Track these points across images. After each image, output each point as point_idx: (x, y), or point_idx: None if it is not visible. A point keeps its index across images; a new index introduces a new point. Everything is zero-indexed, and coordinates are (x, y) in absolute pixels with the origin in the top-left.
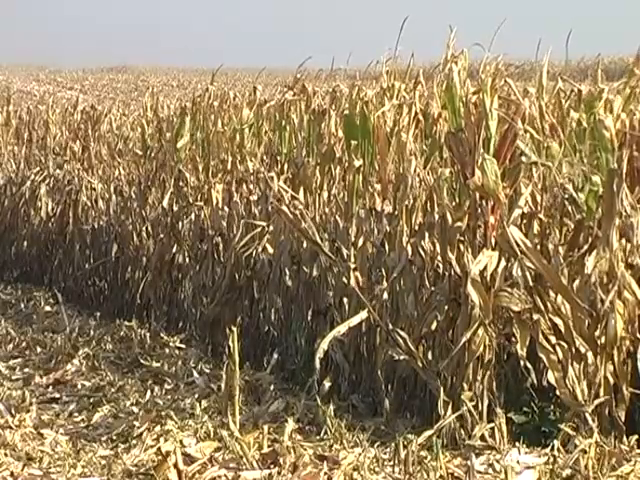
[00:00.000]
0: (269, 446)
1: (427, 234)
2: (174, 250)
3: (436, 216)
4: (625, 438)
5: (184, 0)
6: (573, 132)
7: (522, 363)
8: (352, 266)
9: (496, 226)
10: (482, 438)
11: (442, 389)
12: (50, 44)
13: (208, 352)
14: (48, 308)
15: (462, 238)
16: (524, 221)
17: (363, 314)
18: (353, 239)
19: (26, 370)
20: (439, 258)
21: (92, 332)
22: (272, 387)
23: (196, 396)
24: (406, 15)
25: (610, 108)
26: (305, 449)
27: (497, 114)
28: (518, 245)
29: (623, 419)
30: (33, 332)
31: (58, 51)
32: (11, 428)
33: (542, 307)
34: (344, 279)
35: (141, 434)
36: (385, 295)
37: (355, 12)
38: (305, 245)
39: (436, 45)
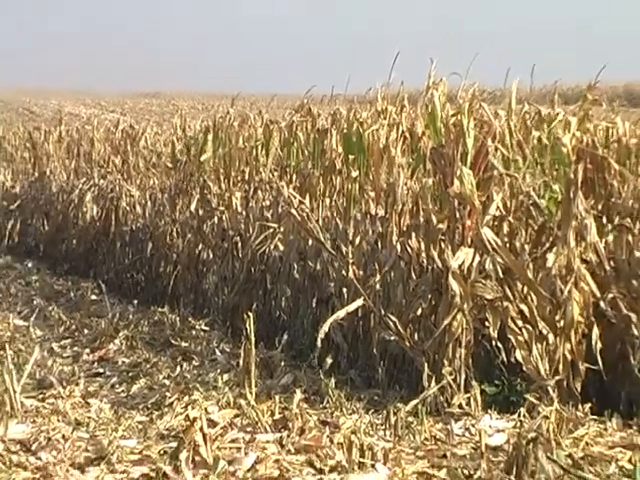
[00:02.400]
0: (280, 413)
1: (414, 234)
2: (200, 248)
3: (421, 219)
4: (580, 406)
5: (206, 36)
6: (536, 148)
7: (494, 343)
8: (350, 261)
9: (472, 227)
10: (460, 406)
11: (426, 365)
12: (96, 73)
13: (228, 334)
14: (93, 297)
15: (443, 237)
16: (495, 223)
17: (359, 302)
18: (351, 238)
19: (75, 349)
20: (424, 254)
21: (130, 317)
22: (282, 363)
23: (218, 371)
24: (397, 50)
25: (567, 127)
26: (310, 415)
27: (473, 133)
28: (490, 243)
29: (579, 390)
30: (81, 317)
31: (102, 79)
32: (62, 398)
33: (511, 296)
34: (343, 272)
35: (172, 403)
36: (378, 286)
37: (355, 46)
38: (310, 243)
39: (422, 72)
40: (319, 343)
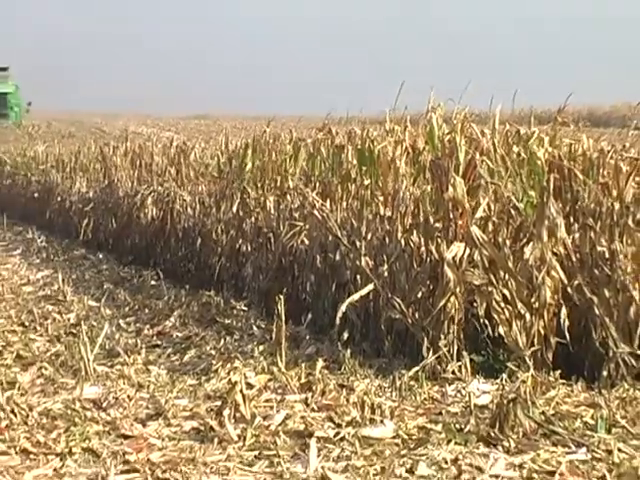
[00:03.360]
0: (305, 378)
1: (415, 231)
2: (239, 242)
3: (421, 219)
4: (551, 372)
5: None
6: (515, 161)
7: (481, 320)
8: (362, 253)
9: (463, 226)
10: (453, 372)
11: (425, 338)
12: (155, 95)
13: (263, 313)
14: (152, 282)
15: (439, 234)
16: (482, 222)
17: (370, 286)
18: (363, 234)
19: (137, 325)
20: (423, 248)
21: (183, 299)
22: (307, 337)
23: (255, 343)
24: (403, 80)
25: (541, 144)
26: (330, 380)
27: (464, 148)
28: (478, 239)
29: (550, 359)
30: (142, 299)
31: (160, 102)
32: (127, 365)
33: (495, 282)
34: (357, 262)
35: (217, 369)
36: (385, 273)
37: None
38: (330, 238)
39: (424, 96)
40: (338, 320)
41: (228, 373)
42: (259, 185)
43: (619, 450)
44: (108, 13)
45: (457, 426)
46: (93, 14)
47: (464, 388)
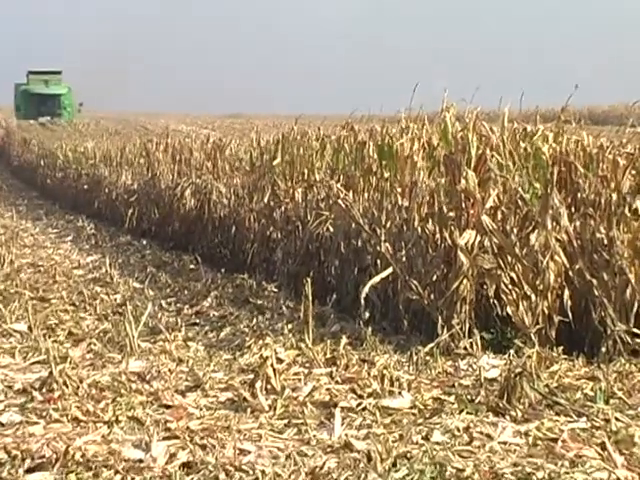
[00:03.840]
0: (330, 353)
1: (430, 220)
2: (270, 230)
3: (436, 208)
4: (555, 348)
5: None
6: (522, 155)
7: (491, 301)
8: (382, 239)
9: (474, 215)
10: (465, 348)
11: (440, 317)
12: (194, 96)
13: (292, 294)
14: (191, 266)
15: (453, 222)
16: (492, 212)
17: (389, 270)
18: (383, 222)
19: (177, 305)
20: (438, 235)
21: (219, 281)
22: (332, 316)
23: (284, 322)
24: (417, 81)
25: (546, 140)
26: (353, 355)
27: (475, 144)
28: (488, 227)
29: (554, 336)
30: (182, 281)
31: (199, 102)
32: (168, 341)
33: (503, 266)
34: (378, 248)
35: (250, 345)
36: (404, 258)
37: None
38: (353, 226)
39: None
40: (362, 301)
41: (260, 349)
42: (288, 178)
43: (616, 419)
44: (150, 22)
45: (468, 397)
46: (140, 23)
47: (475, 363)
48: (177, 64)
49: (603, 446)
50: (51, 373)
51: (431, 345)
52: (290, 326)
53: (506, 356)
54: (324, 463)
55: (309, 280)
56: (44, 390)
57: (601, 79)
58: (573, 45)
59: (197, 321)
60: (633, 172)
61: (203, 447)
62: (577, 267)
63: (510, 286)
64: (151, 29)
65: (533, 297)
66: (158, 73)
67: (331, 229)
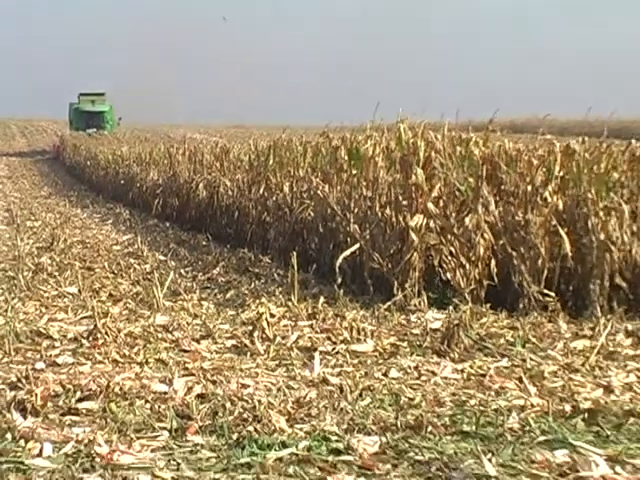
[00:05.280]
0: (311, 310)
1: (388, 207)
2: (265, 215)
3: (393, 198)
4: (484, 305)
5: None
6: (459, 157)
7: (435, 269)
8: (352, 221)
9: (422, 203)
10: (415, 306)
11: (396, 282)
12: (205, 109)
13: (282, 264)
14: (204, 243)
15: (406, 209)
16: (435, 200)
17: (357, 245)
18: (352, 209)
19: (193, 273)
20: (394, 218)
21: (225, 255)
22: (313, 281)
23: (276, 285)
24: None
25: (477, 145)
26: (329, 311)
27: (423, 148)
28: (433, 212)
29: (483, 296)
30: (197, 254)
31: (209, 113)
32: (186, 301)
33: (444, 242)
34: (348, 228)
35: (249, 304)
36: (368, 236)
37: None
38: (329, 211)
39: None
40: (336, 269)
41: (257, 306)
42: (278, 174)
43: (530, 359)
44: (173, 52)
45: (417, 343)
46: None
47: (423, 316)
48: (192, 82)
49: (520, 380)
50: (96, 326)
51: (389, 303)
52: (280, 289)
53: (446, 311)
54: (307, 394)
55: (295, 253)
56: (90, 338)
57: (520, 96)
58: (499, 66)
59: (208, 285)
60: (544, 169)
61: (213, 382)
62: (501, 243)
63: (449, 257)
64: (173, 59)
65: (467, 266)
66: (179, 90)
67: (312, 214)
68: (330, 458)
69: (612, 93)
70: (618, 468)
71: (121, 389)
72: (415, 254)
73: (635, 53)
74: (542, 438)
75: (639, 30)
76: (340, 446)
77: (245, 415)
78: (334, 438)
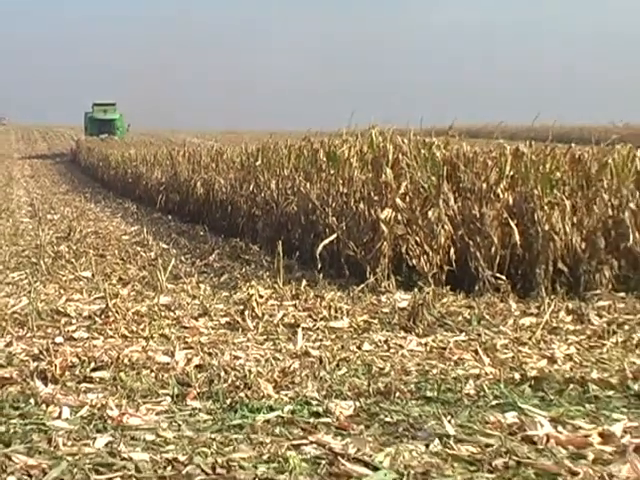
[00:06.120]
0: (295, 291)
1: (362, 202)
2: (254, 209)
3: (365, 194)
4: (444, 287)
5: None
6: (423, 158)
7: (403, 256)
8: (330, 215)
9: (391, 198)
10: (385, 287)
11: (368, 267)
12: (202, 116)
13: (269, 252)
14: (201, 233)
15: (377, 203)
16: (403, 196)
17: (334, 235)
18: (330, 203)
19: (192, 259)
20: (367, 212)
21: (220, 243)
22: (296, 267)
23: (264, 270)
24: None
25: (438, 148)
26: (310, 292)
27: (392, 150)
28: (400, 206)
29: (444, 279)
30: (196, 243)
31: (206, 120)
32: (186, 283)
33: (410, 233)
34: (326, 220)
35: (241, 286)
36: (344, 227)
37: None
38: (310, 206)
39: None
40: (316, 256)
41: (247, 288)
42: (266, 173)
43: (485, 334)
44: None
45: (387, 320)
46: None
47: (391, 297)
48: (190, 94)
49: (476, 352)
50: (107, 305)
51: (362, 285)
52: (267, 273)
53: (412, 292)
54: (291, 364)
55: (280, 242)
56: (103, 316)
57: (478, 105)
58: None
59: (205, 270)
60: (496, 169)
61: (209, 354)
62: (459, 233)
63: (415, 246)
64: (176, 74)
65: (430, 253)
66: (179, 99)
67: (295, 208)
68: (311, 420)
69: (554, 104)
70: (560, 428)
71: (129, 360)
72: (385, 243)
73: (559, 74)
74: (494, 402)
75: (569, 57)
76: (320, 410)
77: (237, 383)
78: (314, 403)
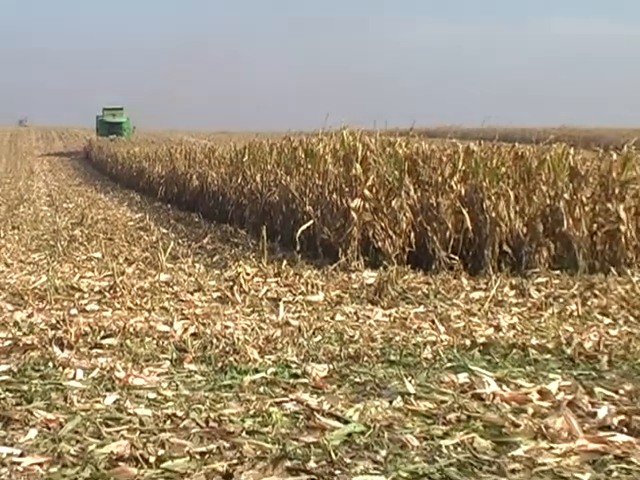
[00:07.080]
0: (277, 270)
1: (335, 192)
2: (242, 198)
3: (338, 186)
4: (406, 266)
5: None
6: (388, 155)
7: (370, 239)
8: (307, 204)
9: (360, 189)
10: (355, 267)
11: (340, 249)
12: (197, 118)
13: (255, 236)
14: (196, 220)
15: (348, 194)
16: (370, 187)
17: (311, 222)
18: (308, 194)
19: (188, 242)
20: (339, 201)
21: (212, 228)
22: (278, 249)
23: (250, 251)
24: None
25: (401, 146)
26: (290, 271)
27: (361, 148)
28: (368, 197)
29: (406, 259)
30: (191, 228)
31: (199, 121)
32: (182, 263)
33: (377, 219)
34: (304, 209)
35: (230, 265)
36: (319, 214)
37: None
38: (290, 196)
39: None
40: (296, 240)
41: (236, 267)
42: (252, 168)
43: (440, 306)
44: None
45: (356, 295)
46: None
47: (360, 275)
48: (190, 94)
49: (433, 321)
50: (115, 282)
51: (335, 265)
52: (253, 254)
53: (378, 271)
54: (274, 333)
55: (264, 228)
56: (111, 291)
57: (439, 108)
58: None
59: (199, 251)
60: (451, 165)
61: (203, 324)
62: (419, 219)
63: (380, 230)
64: (175, 83)
65: (393, 237)
66: (179, 100)
67: (277, 198)
68: (291, 381)
69: (505, 108)
70: (504, 386)
71: (134, 329)
72: (355, 228)
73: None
74: (449, 365)
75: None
76: (298, 372)
77: (227, 349)
78: (294, 366)
